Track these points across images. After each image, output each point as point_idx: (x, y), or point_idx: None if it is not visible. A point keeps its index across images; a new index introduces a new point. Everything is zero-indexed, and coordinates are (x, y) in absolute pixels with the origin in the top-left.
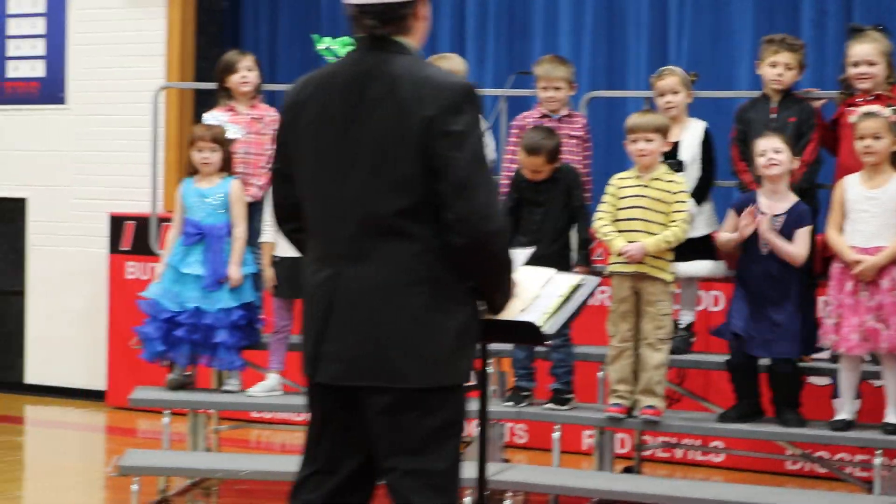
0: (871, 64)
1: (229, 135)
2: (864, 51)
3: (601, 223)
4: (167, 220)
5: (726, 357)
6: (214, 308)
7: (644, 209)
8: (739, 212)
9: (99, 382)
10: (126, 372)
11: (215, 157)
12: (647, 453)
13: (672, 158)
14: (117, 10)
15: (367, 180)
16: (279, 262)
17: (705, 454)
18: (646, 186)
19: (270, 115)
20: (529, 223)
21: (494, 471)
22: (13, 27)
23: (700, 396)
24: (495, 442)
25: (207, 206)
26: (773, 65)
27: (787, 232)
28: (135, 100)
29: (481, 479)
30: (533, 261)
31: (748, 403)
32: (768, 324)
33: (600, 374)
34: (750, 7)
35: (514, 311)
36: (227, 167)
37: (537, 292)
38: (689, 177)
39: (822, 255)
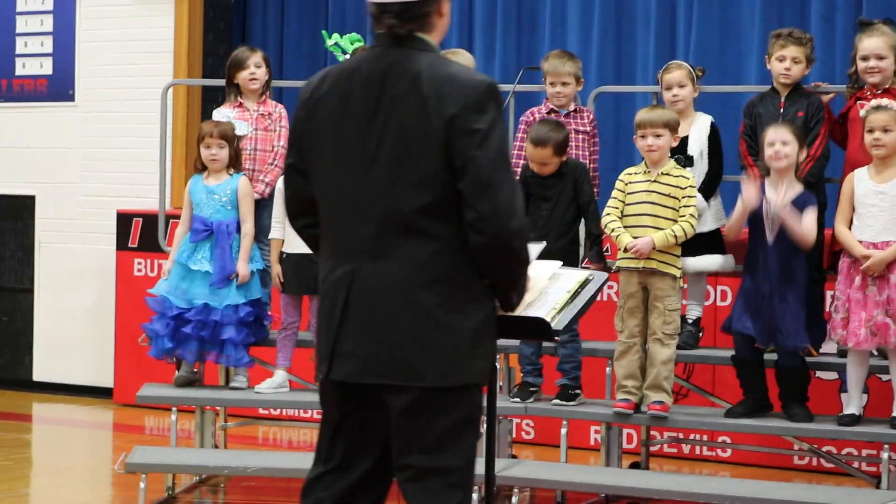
0: (880, 58)
1: (237, 131)
2: (874, 44)
3: (609, 218)
4: (175, 216)
5: (733, 352)
6: (222, 305)
7: (653, 204)
8: None
9: (106, 379)
10: (133, 369)
11: (223, 153)
12: (654, 449)
13: (680, 154)
14: (125, 7)
15: (389, 176)
16: (287, 259)
17: (712, 449)
18: (654, 182)
19: (279, 112)
20: (537, 218)
21: (502, 466)
22: (22, 24)
23: (707, 392)
24: (503, 438)
25: (215, 203)
26: (781, 59)
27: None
28: (143, 97)
29: (489, 475)
30: (541, 255)
31: (755, 398)
32: (774, 313)
33: (608, 369)
34: (758, 1)
35: (522, 306)
36: (235, 164)
37: (545, 287)
38: (698, 171)
39: (830, 250)
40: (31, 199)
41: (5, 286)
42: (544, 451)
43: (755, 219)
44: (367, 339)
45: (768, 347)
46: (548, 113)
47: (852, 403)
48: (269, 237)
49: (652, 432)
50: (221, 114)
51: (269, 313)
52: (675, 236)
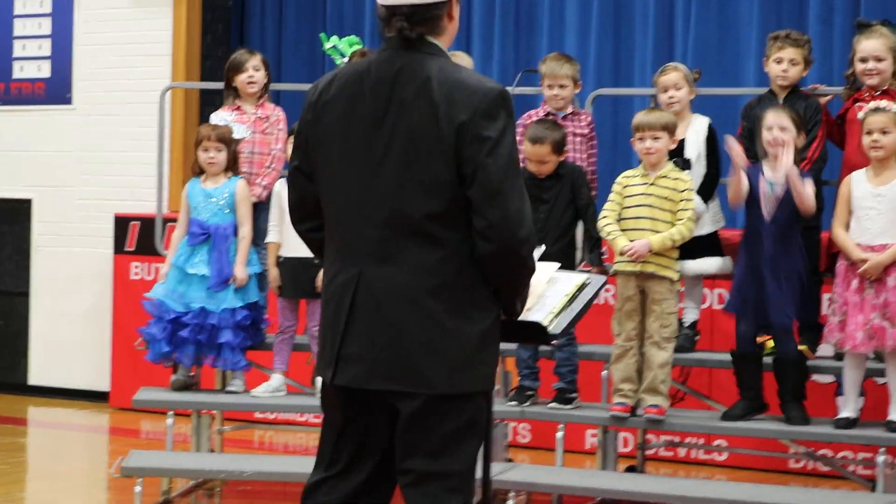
0: (878, 59)
1: (235, 134)
2: (872, 46)
3: (605, 221)
4: (172, 220)
5: (730, 355)
6: (219, 308)
7: (651, 207)
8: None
9: (103, 383)
10: (130, 373)
11: (221, 156)
12: (650, 452)
13: (678, 156)
14: (123, 10)
15: (397, 179)
16: (284, 263)
17: (709, 453)
18: (652, 185)
19: (277, 115)
20: (534, 220)
21: (498, 470)
22: (20, 27)
23: (704, 395)
24: (499, 441)
25: (213, 206)
26: (779, 61)
27: (789, 197)
28: (141, 100)
29: (486, 478)
30: (539, 258)
31: (751, 398)
32: (766, 290)
33: (604, 373)
34: (756, 3)
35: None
36: (232, 167)
37: (543, 291)
38: (695, 174)
39: (827, 252)
40: (28, 202)
41: (2, 290)
42: (541, 455)
43: (752, 199)
44: (372, 343)
45: (760, 333)
46: (545, 116)
47: (848, 406)
48: (266, 241)
49: (648, 436)
50: (219, 117)
51: (266, 317)
52: (673, 239)
